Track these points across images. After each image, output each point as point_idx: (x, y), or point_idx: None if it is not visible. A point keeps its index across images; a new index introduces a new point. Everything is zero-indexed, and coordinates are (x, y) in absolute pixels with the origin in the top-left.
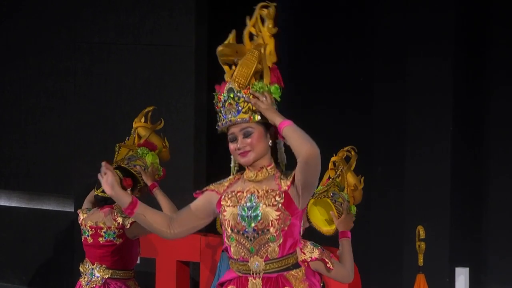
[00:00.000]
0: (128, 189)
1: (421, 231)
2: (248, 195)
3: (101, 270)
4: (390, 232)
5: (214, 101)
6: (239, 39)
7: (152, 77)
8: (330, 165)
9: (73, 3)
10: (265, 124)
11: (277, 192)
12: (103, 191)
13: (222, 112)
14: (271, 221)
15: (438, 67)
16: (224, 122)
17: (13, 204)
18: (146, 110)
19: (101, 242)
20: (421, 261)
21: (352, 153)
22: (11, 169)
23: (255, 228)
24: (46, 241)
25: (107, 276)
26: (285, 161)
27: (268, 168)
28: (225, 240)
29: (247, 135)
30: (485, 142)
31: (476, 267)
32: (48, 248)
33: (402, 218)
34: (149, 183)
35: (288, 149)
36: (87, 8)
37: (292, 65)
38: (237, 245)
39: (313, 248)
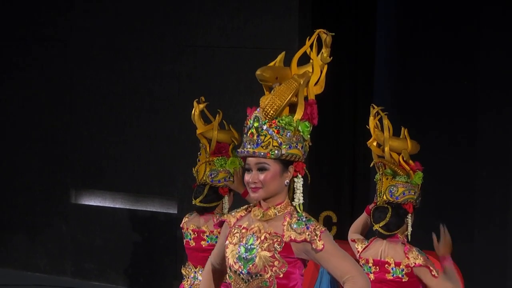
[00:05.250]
0: (226, 195)
1: None
2: (250, 235)
3: None
4: (495, 236)
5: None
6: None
7: (255, 80)
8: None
9: (178, 7)
10: (283, 161)
11: (279, 239)
12: (200, 201)
13: (244, 139)
14: (265, 266)
15: None
16: (242, 151)
17: (118, 206)
18: (198, 109)
19: (203, 246)
20: None
21: (381, 117)
22: (116, 171)
23: (249, 271)
24: (150, 242)
25: None
26: (301, 201)
27: (278, 207)
28: (227, 276)
29: (261, 170)
30: None
31: None
32: (152, 250)
33: (508, 222)
34: (240, 191)
35: (306, 187)
36: (191, 12)
37: (392, 73)
38: (235, 285)
39: (418, 254)
